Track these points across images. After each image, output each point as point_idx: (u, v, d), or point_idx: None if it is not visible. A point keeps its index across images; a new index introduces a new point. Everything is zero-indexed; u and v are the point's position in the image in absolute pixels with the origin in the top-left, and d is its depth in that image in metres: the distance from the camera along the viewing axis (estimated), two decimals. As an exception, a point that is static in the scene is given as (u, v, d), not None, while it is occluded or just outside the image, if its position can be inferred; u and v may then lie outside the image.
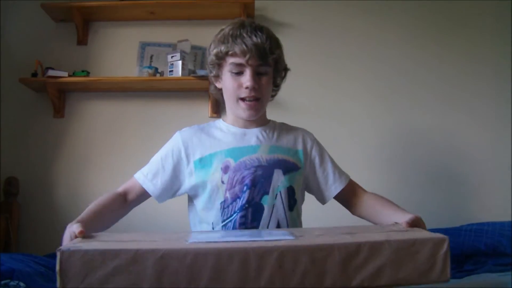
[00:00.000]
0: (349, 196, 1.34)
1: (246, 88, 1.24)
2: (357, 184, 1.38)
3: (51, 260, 1.70)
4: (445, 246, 0.86)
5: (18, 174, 2.23)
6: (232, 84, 1.26)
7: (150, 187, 1.28)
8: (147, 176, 1.29)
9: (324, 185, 1.34)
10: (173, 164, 1.29)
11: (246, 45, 1.21)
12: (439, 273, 0.85)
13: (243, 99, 1.26)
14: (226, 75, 1.27)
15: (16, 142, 2.31)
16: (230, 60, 1.24)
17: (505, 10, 2.40)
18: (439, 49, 2.39)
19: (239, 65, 1.24)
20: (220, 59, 1.26)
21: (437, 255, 0.86)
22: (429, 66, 2.39)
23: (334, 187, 1.34)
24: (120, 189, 1.29)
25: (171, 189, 1.31)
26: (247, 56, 1.21)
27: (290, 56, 1.35)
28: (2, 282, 1.33)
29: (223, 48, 1.24)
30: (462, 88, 2.37)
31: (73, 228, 0.98)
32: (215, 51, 1.27)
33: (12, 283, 1.34)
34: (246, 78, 1.23)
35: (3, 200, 2.17)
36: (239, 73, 1.25)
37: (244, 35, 1.22)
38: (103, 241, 0.90)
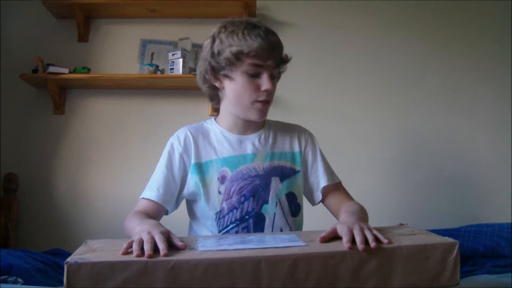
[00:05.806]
0: (336, 201, 1.29)
1: (265, 91, 1.19)
2: (346, 192, 1.33)
3: (50, 257, 1.70)
4: (456, 251, 0.86)
5: (18, 170, 2.22)
6: (249, 86, 1.19)
7: (169, 207, 1.24)
8: (159, 191, 1.22)
9: (315, 186, 1.31)
10: (181, 173, 1.25)
11: (268, 48, 1.17)
12: (449, 277, 0.85)
13: (259, 102, 1.21)
14: (240, 76, 1.20)
15: (16, 138, 2.31)
16: (249, 61, 1.17)
17: (505, 11, 2.39)
18: (441, 50, 2.39)
19: (258, 66, 1.18)
20: (238, 59, 1.18)
21: (447, 260, 0.86)
22: (430, 68, 2.39)
23: (322, 181, 1.30)
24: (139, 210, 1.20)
25: (179, 197, 1.28)
26: (269, 59, 1.17)
27: (291, 56, 1.34)
28: (1, 277, 1.33)
29: (245, 48, 1.16)
30: (463, 90, 2.37)
31: (158, 237, 0.87)
32: (234, 49, 1.17)
33: (10, 278, 1.34)
34: (265, 81, 1.18)
35: (2, 196, 2.16)
36: (255, 75, 1.19)
37: (263, 36, 1.17)
38: (112, 251, 0.85)
